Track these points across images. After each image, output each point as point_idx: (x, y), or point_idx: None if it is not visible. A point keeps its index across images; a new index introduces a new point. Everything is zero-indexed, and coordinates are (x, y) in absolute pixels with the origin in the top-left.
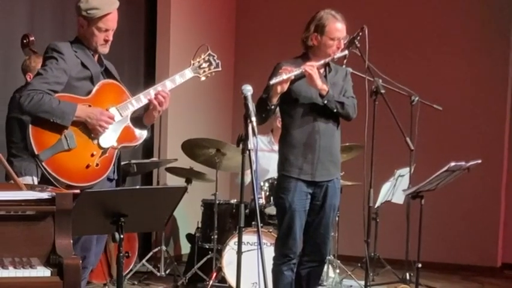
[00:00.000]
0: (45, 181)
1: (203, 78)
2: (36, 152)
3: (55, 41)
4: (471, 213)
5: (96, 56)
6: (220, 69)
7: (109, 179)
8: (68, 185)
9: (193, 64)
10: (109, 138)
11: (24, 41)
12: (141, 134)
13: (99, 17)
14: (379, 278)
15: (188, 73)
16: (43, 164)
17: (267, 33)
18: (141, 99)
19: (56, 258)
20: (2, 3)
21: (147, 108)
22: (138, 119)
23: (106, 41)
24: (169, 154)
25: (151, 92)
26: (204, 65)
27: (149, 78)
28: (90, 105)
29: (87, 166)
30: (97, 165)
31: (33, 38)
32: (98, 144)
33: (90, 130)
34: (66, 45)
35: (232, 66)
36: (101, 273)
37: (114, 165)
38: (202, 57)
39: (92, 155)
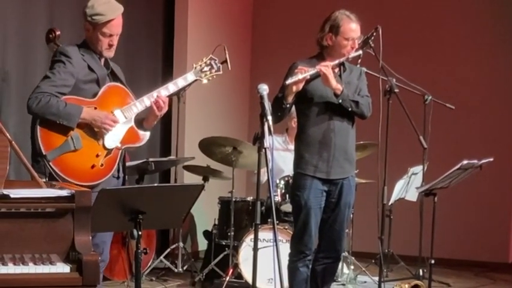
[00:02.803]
0: (52, 180)
1: (205, 81)
2: (44, 152)
3: (74, 36)
4: (483, 210)
5: (103, 59)
6: (221, 72)
7: (114, 177)
8: (75, 185)
9: (196, 68)
10: (113, 139)
11: (50, 36)
12: (144, 135)
13: (104, 23)
14: (393, 274)
15: (190, 76)
16: (50, 163)
17: (283, 33)
18: (145, 101)
19: (75, 254)
20: (22, 0)
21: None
22: (140, 122)
23: (110, 45)
24: (187, 152)
25: (155, 94)
26: (206, 68)
27: (167, 77)
28: (96, 107)
29: (93, 166)
30: (102, 165)
31: (59, 33)
32: (103, 145)
33: (95, 132)
34: (74, 49)
35: (249, 66)
36: (122, 271)
37: (118, 164)
38: (204, 60)
39: (97, 156)
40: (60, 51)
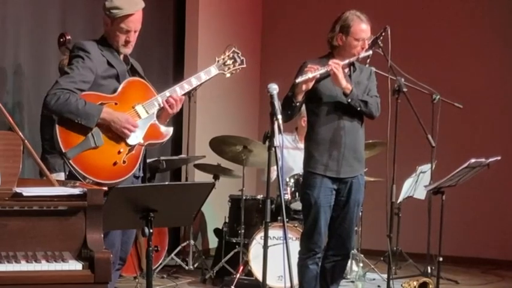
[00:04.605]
0: (72, 178)
1: (228, 75)
2: (63, 150)
3: (86, 38)
4: (491, 208)
5: (122, 55)
6: (245, 65)
7: (135, 177)
8: (96, 183)
9: (218, 61)
10: (136, 136)
11: (61, 40)
12: (167, 131)
13: (121, 17)
14: (401, 272)
15: (213, 70)
16: (70, 162)
17: (292, 33)
18: (167, 96)
19: (87, 252)
20: (35, 3)
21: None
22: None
23: (127, 42)
24: (198, 151)
25: (177, 89)
26: (229, 62)
27: (178, 77)
28: (116, 103)
29: (115, 163)
30: (124, 162)
31: (69, 37)
32: (125, 141)
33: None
34: (92, 44)
35: (259, 65)
36: (131, 267)
37: (140, 162)
38: (227, 54)
39: (119, 152)
40: (78, 46)
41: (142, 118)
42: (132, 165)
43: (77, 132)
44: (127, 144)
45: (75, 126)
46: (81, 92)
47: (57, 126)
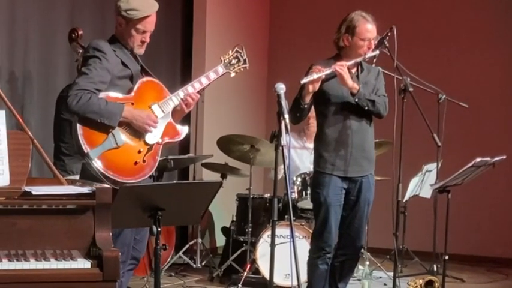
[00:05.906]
0: (85, 178)
1: (233, 74)
2: (85, 151)
3: (95, 37)
4: (496, 206)
5: (133, 55)
6: (247, 65)
7: (149, 176)
8: (117, 182)
9: (224, 61)
10: (154, 135)
11: (73, 35)
12: (183, 130)
13: (138, 19)
14: (407, 270)
15: (221, 69)
16: (93, 162)
17: (300, 33)
18: (180, 95)
19: (95, 250)
20: (43, 3)
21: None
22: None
23: (143, 42)
24: (205, 150)
25: (189, 88)
26: (234, 61)
27: (185, 76)
28: (133, 103)
29: (136, 163)
30: (144, 161)
31: (81, 32)
32: (144, 141)
33: (135, 128)
34: (106, 44)
35: (266, 65)
36: (142, 267)
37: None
38: (231, 53)
39: (139, 152)
40: (94, 46)
41: (159, 117)
42: (152, 164)
43: (99, 131)
44: (146, 144)
45: (97, 125)
46: (99, 93)
47: (79, 125)
